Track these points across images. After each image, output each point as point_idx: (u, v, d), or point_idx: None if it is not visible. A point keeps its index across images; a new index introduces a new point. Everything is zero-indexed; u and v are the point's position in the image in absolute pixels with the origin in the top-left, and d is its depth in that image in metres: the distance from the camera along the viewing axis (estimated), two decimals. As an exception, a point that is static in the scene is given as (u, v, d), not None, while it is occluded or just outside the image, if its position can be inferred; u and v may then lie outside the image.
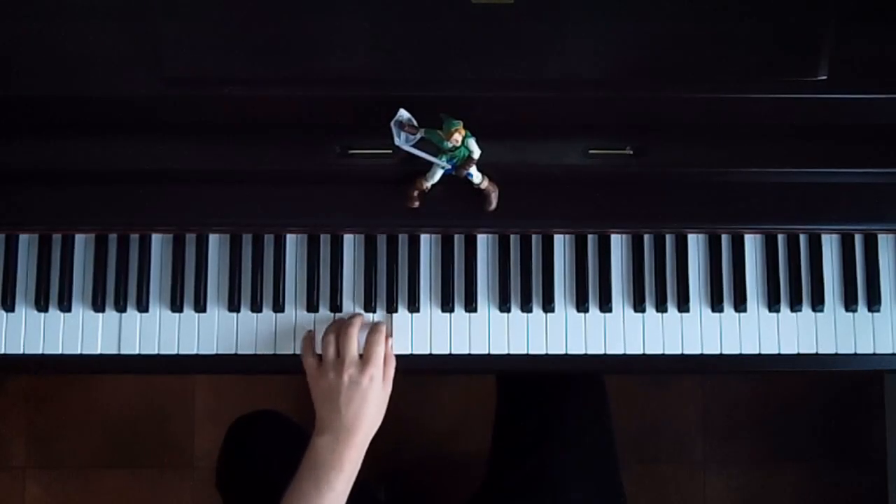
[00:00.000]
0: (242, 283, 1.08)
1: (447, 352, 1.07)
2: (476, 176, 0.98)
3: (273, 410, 1.32)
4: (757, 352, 1.08)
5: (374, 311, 1.08)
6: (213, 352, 1.08)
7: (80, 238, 1.09)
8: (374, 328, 1.04)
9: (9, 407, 1.83)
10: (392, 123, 0.95)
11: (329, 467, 0.96)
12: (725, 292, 1.08)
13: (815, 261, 1.09)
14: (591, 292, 1.08)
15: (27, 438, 1.83)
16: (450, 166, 0.97)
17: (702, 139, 1.01)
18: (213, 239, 1.09)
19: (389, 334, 1.07)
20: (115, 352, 1.07)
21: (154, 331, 1.08)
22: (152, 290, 1.08)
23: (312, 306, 1.08)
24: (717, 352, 1.08)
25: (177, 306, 1.08)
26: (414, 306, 1.08)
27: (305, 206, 1.03)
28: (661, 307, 1.08)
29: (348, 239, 1.09)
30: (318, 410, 1.00)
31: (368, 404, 0.99)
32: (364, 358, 1.00)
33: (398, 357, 1.06)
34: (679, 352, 1.08)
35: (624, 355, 1.08)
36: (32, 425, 1.83)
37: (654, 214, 1.04)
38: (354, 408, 0.98)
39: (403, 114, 0.95)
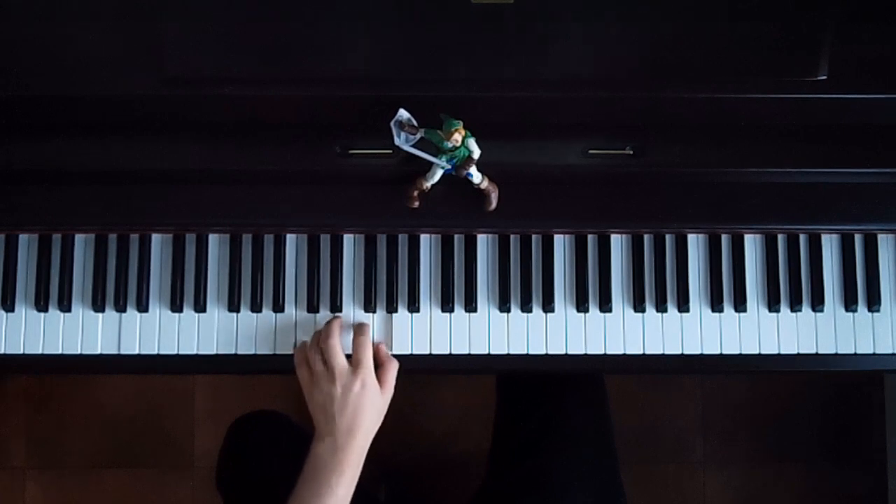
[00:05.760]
0: (242, 283, 1.08)
1: (447, 352, 1.07)
2: (476, 176, 0.98)
3: (273, 410, 1.32)
4: (757, 352, 1.08)
5: (374, 311, 1.08)
6: (213, 352, 1.08)
7: (80, 238, 1.09)
8: (357, 331, 1.04)
9: (9, 407, 1.83)
10: (392, 123, 0.95)
11: (330, 472, 0.96)
12: (725, 292, 1.08)
13: (815, 261, 1.09)
14: (590, 292, 1.08)
15: (27, 438, 1.83)
16: (450, 166, 0.97)
17: (702, 139, 1.01)
18: (213, 239, 1.09)
19: (388, 338, 1.07)
20: (115, 352, 1.07)
21: (154, 331, 1.08)
22: (152, 290, 1.08)
23: (312, 306, 1.08)
24: (717, 352, 1.08)
25: (177, 306, 1.08)
26: (414, 306, 1.08)
27: (305, 206, 1.02)
28: (661, 307, 1.08)
29: (348, 239, 1.09)
30: (315, 421, 1.00)
31: (364, 409, 0.98)
32: (353, 364, 1.00)
33: (398, 357, 1.06)
34: (679, 352, 1.08)
35: (624, 355, 1.08)
36: (32, 425, 1.83)
37: (654, 214, 1.04)
38: (349, 415, 0.98)
39: (403, 114, 0.95)
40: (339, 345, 1.01)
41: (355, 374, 0.99)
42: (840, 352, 1.08)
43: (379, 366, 1.03)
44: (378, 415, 1.01)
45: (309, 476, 0.97)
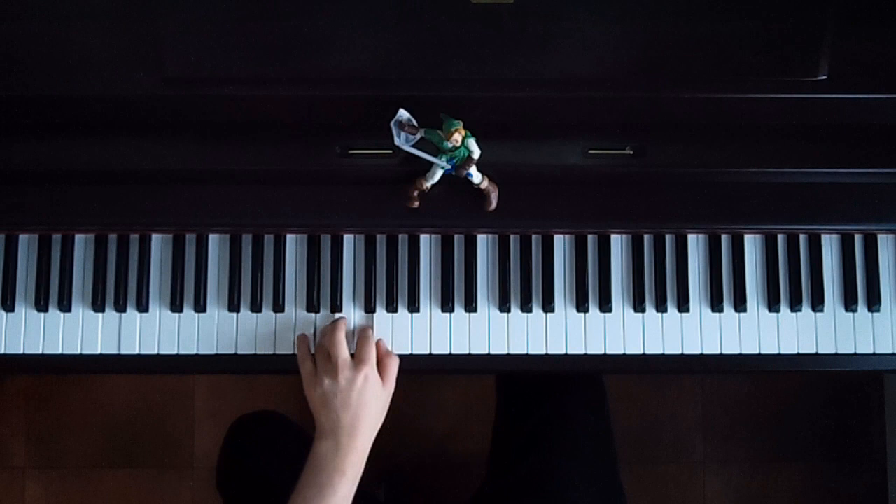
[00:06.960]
0: (242, 283, 1.08)
1: (447, 352, 1.07)
2: (476, 176, 0.98)
3: (273, 411, 1.32)
4: (757, 352, 1.08)
5: (374, 311, 1.08)
6: (213, 352, 1.08)
7: (80, 238, 1.09)
8: (360, 331, 1.05)
9: (9, 407, 1.83)
10: (392, 123, 0.95)
11: (332, 472, 0.96)
12: (725, 292, 1.08)
13: (815, 261, 1.09)
14: (590, 292, 1.08)
15: (27, 438, 1.83)
16: (450, 166, 0.97)
17: (702, 139, 1.01)
18: (213, 239, 1.09)
19: (388, 338, 1.07)
20: (115, 352, 1.07)
21: (154, 331, 1.08)
22: (152, 290, 1.08)
23: (312, 306, 1.08)
24: (717, 352, 1.08)
25: (177, 306, 1.08)
26: (414, 306, 1.08)
27: (305, 206, 1.02)
28: (660, 307, 1.08)
29: (348, 239, 1.09)
30: (316, 418, 1.00)
31: (366, 405, 0.99)
32: (356, 358, 1.01)
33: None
34: (679, 352, 1.08)
35: (624, 355, 1.08)
36: (32, 425, 1.83)
37: (654, 214, 1.04)
38: (352, 410, 0.98)
39: (403, 114, 0.95)
40: (345, 340, 1.02)
41: (358, 368, 0.99)
42: (840, 352, 1.08)
43: (379, 360, 1.03)
44: (381, 410, 1.01)
45: (311, 475, 0.97)
